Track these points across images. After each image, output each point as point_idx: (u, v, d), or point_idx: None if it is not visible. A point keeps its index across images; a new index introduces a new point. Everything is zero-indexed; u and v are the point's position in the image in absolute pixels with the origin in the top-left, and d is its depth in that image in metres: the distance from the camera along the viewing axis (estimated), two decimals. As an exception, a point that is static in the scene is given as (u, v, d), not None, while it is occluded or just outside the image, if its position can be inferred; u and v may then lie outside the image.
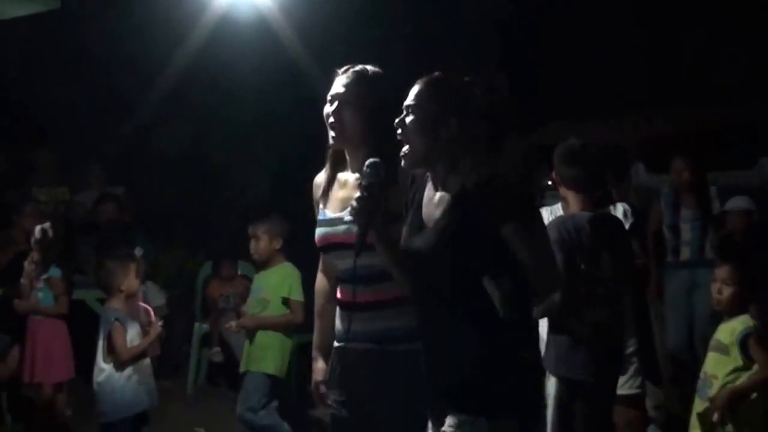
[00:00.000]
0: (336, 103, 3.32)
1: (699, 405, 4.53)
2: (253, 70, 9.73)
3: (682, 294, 7.11)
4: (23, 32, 9.09)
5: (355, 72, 3.35)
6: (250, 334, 5.96)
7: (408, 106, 3.00)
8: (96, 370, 5.37)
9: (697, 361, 6.60)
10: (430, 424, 3.07)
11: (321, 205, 3.48)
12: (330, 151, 3.45)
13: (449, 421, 2.92)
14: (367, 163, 3.00)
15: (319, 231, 3.42)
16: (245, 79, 9.84)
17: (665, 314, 7.15)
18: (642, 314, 5.72)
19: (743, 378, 4.48)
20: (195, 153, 10.46)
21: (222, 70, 9.76)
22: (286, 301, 5.92)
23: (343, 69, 3.39)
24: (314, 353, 3.60)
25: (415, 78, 3.06)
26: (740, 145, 6.77)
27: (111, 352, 5.35)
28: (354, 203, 2.94)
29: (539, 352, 3.14)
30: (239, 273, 8.24)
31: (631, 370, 4.97)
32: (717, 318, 5.11)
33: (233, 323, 6.40)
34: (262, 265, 6.14)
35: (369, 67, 3.38)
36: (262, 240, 5.88)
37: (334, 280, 3.49)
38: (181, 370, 8.12)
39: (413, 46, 8.13)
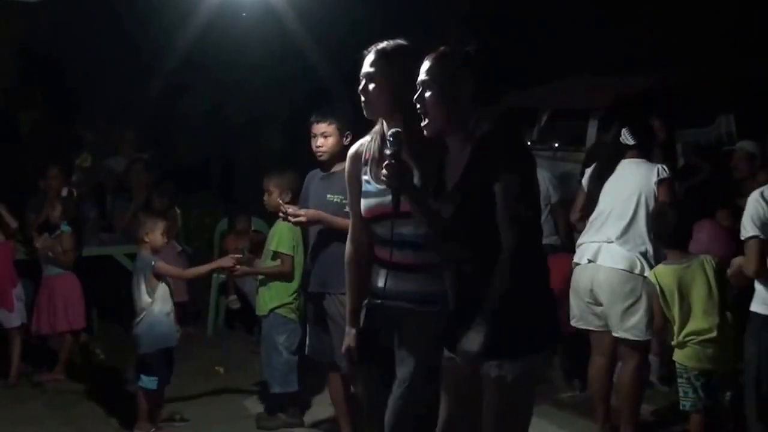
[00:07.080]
0: (363, 81, 3.42)
1: None
2: (265, 44, 9.86)
3: None
4: (60, 13, 9.46)
5: (377, 51, 3.41)
6: (260, 282, 5.94)
7: (423, 82, 3.12)
8: (137, 310, 5.61)
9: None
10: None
11: (365, 177, 3.50)
12: (377, 127, 3.50)
13: (486, 368, 3.05)
14: (389, 133, 3.22)
15: (368, 202, 3.44)
16: (258, 52, 9.96)
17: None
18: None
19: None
20: (215, 117, 10.59)
21: (238, 44, 9.83)
22: (275, 254, 5.83)
23: (368, 49, 3.45)
24: (348, 319, 3.63)
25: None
26: (699, 105, 6.90)
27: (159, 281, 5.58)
28: (384, 171, 3.11)
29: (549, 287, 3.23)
30: (253, 228, 8.40)
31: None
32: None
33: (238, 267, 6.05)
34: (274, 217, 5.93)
35: (389, 44, 3.44)
36: (273, 193, 5.75)
37: (367, 247, 3.54)
38: (202, 316, 8.47)
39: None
